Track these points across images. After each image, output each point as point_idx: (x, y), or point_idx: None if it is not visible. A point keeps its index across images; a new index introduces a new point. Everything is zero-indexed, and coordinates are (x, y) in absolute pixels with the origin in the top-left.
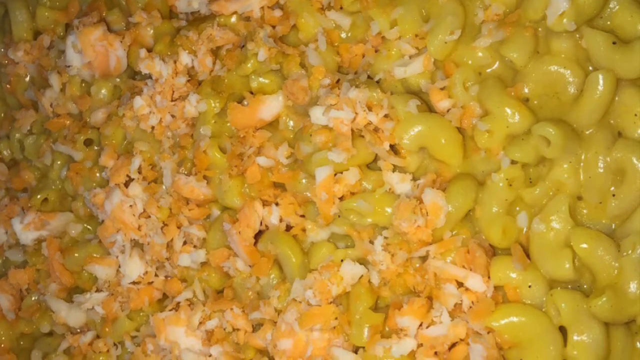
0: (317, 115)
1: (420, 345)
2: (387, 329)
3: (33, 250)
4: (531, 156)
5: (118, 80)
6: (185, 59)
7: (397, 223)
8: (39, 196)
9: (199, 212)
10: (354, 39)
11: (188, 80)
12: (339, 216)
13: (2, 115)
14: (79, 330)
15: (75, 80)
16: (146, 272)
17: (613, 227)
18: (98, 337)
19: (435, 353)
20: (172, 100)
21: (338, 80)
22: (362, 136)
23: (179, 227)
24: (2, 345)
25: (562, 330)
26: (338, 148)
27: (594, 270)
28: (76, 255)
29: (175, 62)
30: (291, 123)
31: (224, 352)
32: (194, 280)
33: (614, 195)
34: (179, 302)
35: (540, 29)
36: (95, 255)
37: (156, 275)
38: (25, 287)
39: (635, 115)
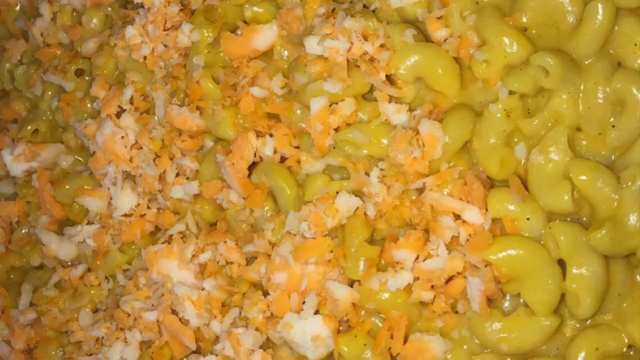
0: (312, 45)
1: (416, 278)
2: (383, 262)
3: (23, 182)
4: (529, 86)
5: (109, 9)
6: None
7: (393, 154)
8: (29, 127)
9: (191, 144)
10: None
11: (181, 10)
12: (334, 147)
13: None
14: (69, 264)
15: (66, 9)
16: (138, 205)
17: (613, 158)
18: (89, 270)
19: (432, 286)
20: (164, 30)
21: (333, 10)
22: (358, 66)
23: (171, 159)
24: None
25: (561, 263)
26: (333, 78)
27: (593, 203)
28: (67, 187)
29: None
30: (286, 53)
31: (217, 286)
32: (187, 213)
33: (613, 126)
34: (171, 235)
35: None
36: (86, 187)
37: (148, 207)
38: (15, 220)
39: (635, 45)
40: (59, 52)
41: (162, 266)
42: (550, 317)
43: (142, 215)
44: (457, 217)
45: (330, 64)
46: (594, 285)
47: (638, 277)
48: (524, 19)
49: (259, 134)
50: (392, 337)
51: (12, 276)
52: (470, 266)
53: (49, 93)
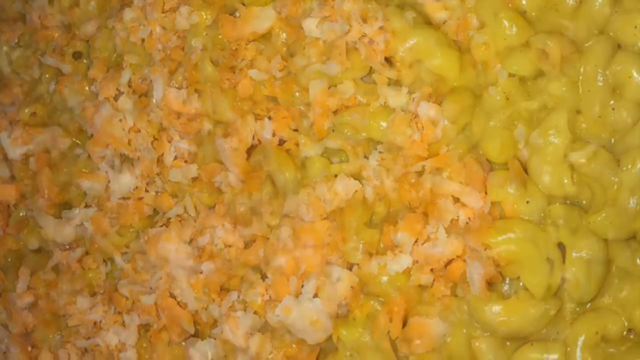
0: (311, 27)
1: (415, 262)
2: (382, 246)
3: (21, 165)
4: (529, 69)
5: None
6: None
7: (392, 137)
8: (26, 110)
9: (190, 126)
10: None
11: None
12: (333, 130)
13: None
14: (67, 247)
15: None
16: (136, 187)
17: (612, 141)
18: (87, 253)
19: (431, 270)
20: (162, 12)
21: None
22: (357, 48)
23: (169, 142)
24: None
25: (561, 246)
26: (332, 61)
27: (593, 186)
28: (65, 170)
29: None
30: (284, 35)
31: (215, 269)
32: (185, 196)
33: (613, 109)
34: (169, 218)
35: None
36: (84, 170)
37: (146, 190)
38: (12, 203)
39: (635, 27)
40: (57, 34)
41: (160, 249)
42: (550, 300)
43: (140, 198)
44: (456, 200)
45: (329, 47)
46: (593, 268)
47: (638, 260)
48: (524, 2)
49: (257, 117)
50: (391, 321)
51: (9, 259)
52: (469, 249)
53: (47, 76)
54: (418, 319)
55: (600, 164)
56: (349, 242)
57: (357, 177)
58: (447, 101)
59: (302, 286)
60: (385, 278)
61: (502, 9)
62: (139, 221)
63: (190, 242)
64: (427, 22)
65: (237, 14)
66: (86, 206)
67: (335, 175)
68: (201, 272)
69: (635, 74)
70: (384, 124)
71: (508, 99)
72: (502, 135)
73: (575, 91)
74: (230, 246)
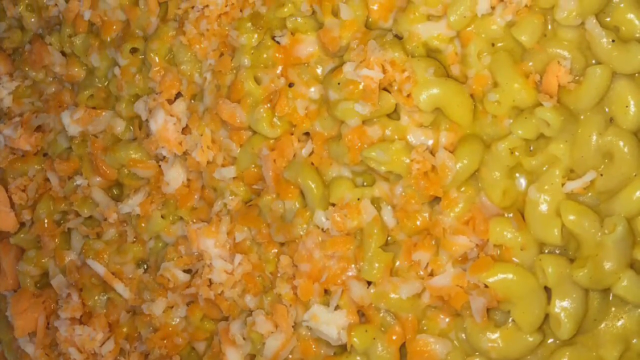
0: (349, 69)
1: (424, 289)
2: (397, 264)
3: (80, 141)
4: (533, 133)
5: None
6: None
7: (410, 174)
8: (86, 92)
9: (235, 135)
10: None
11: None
12: (360, 160)
13: None
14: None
15: None
16: (187, 180)
17: (599, 203)
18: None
19: (438, 297)
20: (215, 27)
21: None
22: (385, 90)
23: (216, 143)
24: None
25: (547, 290)
26: (365, 102)
27: (579, 240)
28: (119, 153)
29: None
30: (321, 65)
31: (250, 263)
32: (225, 192)
33: (601, 175)
34: (210, 215)
35: (549, 16)
36: (135, 156)
37: (193, 185)
38: (68, 177)
39: (627, 106)
40: (117, 27)
41: (201, 243)
42: (535, 334)
43: (188, 188)
44: (462, 237)
45: (363, 89)
46: (574, 312)
47: (613, 308)
48: (531, 67)
49: (299, 138)
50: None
51: (62, 222)
52: (470, 284)
53: (105, 63)
54: (424, 337)
55: (587, 223)
56: (366, 262)
57: (378, 201)
58: (460, 149)
59: (325, 291)
60: (395, 295)
61: (513, 73)
62: (184, 209)
63: (228, 236)
64: (447, 72)
65: (281, 38)
66: (136, 191)
67: (358, 199)
68: (240, 264)
69: (622, 147)
70: (406, 160)
71: (512, 153)
72: (505, 184)
73: (571, 154)
74: (263, 243)
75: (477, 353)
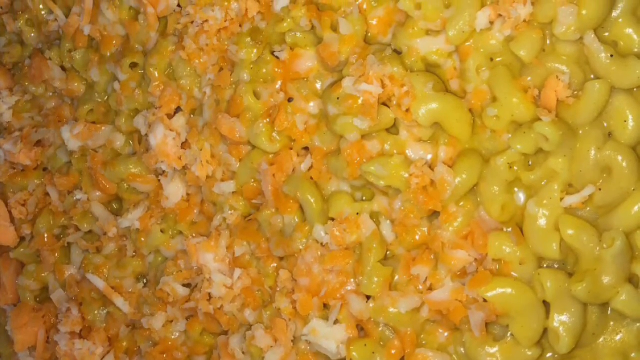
0: (349, 84)
1: (423, 303)
2: (397, 278)
3: (79, 155)
4: (531, 148)
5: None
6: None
7: (409, 188)
8: (86, 107)
9: (234, 150)
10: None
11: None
12: (359, 175)
13: None
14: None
15: (124, 6)
16: (187, 195)
17: (597, 217)
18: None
19: (437, 311)
20: (215, 42)
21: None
22: (384, 104)
23: (215, 158)
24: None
25: (546, 304)
26: (365, 117)
27: (578, 255)
28: (118, 169)
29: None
30: (320, 80)
31: (249, 278)
32: (225, 207)
33: (600, 189)
34: (209, 230)
35: (548, 31)
36: (135, 171)
37: (193, 200)
38: (68, 191)
39: (625, 121)
40: (116, 42)
41: (201, 257)
42: (533, 348)
43: (187, 203)
44: (461, 251)
45: (362, 103)
46: (573, 327)
47: (611, 323)
48: (530, 81)
49: (298, 153)
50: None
51: (62, 236)
52: (469, 299)
53: (104, 78)
54: (423, 351)
55: (585, 237)
56: (365, 276)
57: (375, 215)
58: (459, 164)
59: (324, 305)
60: (394, 310)
61: (512, 88)
62: (183, 223)
63: (227, 250)
64: (446, 86)
65: (280, 53)
66: (135, 205)
67: (357, 214)
68: (238, 278)
69: (621, 161)
70: (405, 175)
71: (511, 168)
72: (504, 198)
73: (570, 169)
74: (263, 258)
75: None
